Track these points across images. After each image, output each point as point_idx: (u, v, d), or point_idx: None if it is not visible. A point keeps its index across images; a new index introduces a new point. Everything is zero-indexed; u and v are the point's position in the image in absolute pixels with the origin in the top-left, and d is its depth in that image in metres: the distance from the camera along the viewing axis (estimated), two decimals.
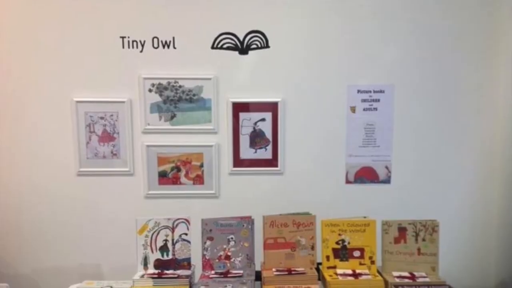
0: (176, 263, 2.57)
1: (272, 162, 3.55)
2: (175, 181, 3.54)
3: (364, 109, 3.53)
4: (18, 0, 3.38)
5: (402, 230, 2.62)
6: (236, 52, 3.46)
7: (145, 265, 2.57)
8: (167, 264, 2.57)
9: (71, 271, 3.54)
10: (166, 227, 2.58)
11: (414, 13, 3.44)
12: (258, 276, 2.58)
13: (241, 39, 3.44)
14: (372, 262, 2.59)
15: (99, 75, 3.46)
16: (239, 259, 2.63)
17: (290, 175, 3.57)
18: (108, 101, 3.48)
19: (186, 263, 2.58)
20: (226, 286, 2.40)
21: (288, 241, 2.64)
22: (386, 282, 2.47)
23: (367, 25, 3.45)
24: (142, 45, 3.44)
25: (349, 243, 2.62)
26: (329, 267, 2.60)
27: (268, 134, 3.52)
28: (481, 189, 3.59)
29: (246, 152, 3.54)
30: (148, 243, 2.57)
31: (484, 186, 3.59)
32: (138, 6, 3.41)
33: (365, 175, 3.56)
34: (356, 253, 2.61)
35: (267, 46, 3.46)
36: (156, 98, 3.48)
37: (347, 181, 3.58)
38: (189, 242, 2.59)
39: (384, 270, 2.60)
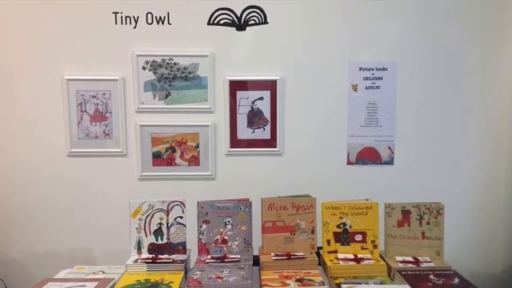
0: (171, 248, 2.54)
1: (271, 142, 3.53)
2: (170, 162, 3.53)
3: (366, 88, 3.51)
4: None
5: (405, 213, 2.58)
6: (233, 28, 3.44)
7: (139, 249, 2.53)
8: (162, 249, 2.53)
9: (61, 255, 3.53)
10: (161, 210, 2.55)
11: None
12: (256, 261, 2.54)
13: (239, 14, 3.41)
14: (375, 247, 2.56)
15: (91, 52, 3.44)
16: (236, 243, 2.60)
17: (289, 156, 3.56)
18: (100, 79, 3.46)
19: (181, 248, 2.54)
20: (222, 271, 2.37)
21: (287, 224, 2.61)
22: (389, 267, 2.43)
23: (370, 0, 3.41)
24: (136, 21, 3.41)
25: (350, 226, 2.58)
26: (329, 252, 2.56)
27: (267, 114, 3.51)
28: (487, 170, 3.58)
29: (244, 132, 3.52)
30: (142, 227, 2.53)
31: (491, 167, 3.58)
32: None
33: (367, 156, 3.54)
34: (358, 237, 2.57)
35: (266, 22, 3.43)
36: (150, 76, 3.46)
37: (349, 162, 3.57)
38: (184, 225, 2.55)
39: (387, 254, 2.56)
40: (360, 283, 2.22)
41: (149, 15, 3.40)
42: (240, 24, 3.43)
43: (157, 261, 2.45)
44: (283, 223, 2.60)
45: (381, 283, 2.28)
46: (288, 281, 2.27)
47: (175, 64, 3.45)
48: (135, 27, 3.41)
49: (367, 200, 2.66)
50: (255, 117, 3.51)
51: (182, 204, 2.55)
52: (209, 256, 2.55)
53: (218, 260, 2.51)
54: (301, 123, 3.53)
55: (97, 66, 3.45)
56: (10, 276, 3.56)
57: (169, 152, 3.52)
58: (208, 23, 3.41)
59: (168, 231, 2.54)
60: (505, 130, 3.52)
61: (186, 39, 3.43)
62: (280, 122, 3.51)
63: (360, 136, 3.53)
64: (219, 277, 2.28)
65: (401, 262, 2.47)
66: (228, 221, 2.60)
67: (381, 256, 2.54)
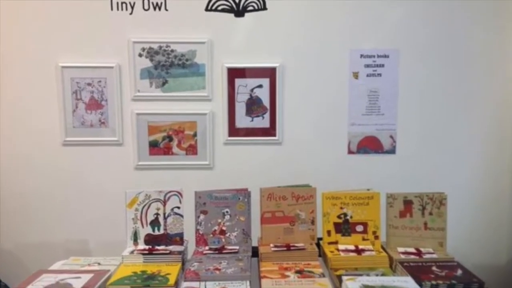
0: (168, 238, 2.53)
1: (270, 131, 3.51)
2: (167, 151, 3.51)
3: (367, 75, 3.49)
4: None
5: (407, 203, 2.57)
6: (232, 14, 3.41)
7: (135, 240, 2.52)
8: (158, 240, 2.52)
9: (56, 247, 3.53)
10: (157, 200, 2.53)
11: None
12: (255, 252, 2.54)
13: (237, 0, 3.37)
14: (376, 237, 2.55)
15: (86, 39, 3.41)
16: (234, 234, 2.59)
17: (289, 144, 3.54)
18: (95, 66, 3.44)
19: (178, 238, 2.53)
20: (221, 262, 2.36)
21: (287, 215, 2.60)
22: (390, 258, 2.43)
23: None
24: (132, 7, 3.38)
25: (351, 217, 2.57)
26: (330, 243, 2.55)
27: (266, 102, 3.49)
28: (492, 159, 3.57)
29: (242, 121, 3.51)
30: (138, 217, 2.52)
31: (495, 155, 3.57)
32: None
33: (369, 145, 3.53)
34: (359, 228, 2.56)
35: (265, 8, 3.41)
36: (146, 63, 3.44)
37: (350, 151, 3.55)
38: (181, 216, 2.54)
39: (388, 245, 2.56)
40: (361, 275, 2.20)
41: (146, 1, 3.37)
42: (239, 10, 3.40)
43: (154, 252, 2.44)
44: (283, 213, 2.59)
45: (382, 274, 2.26)
46: (287, 273, 2.27)
47: (172, 51, 3.43)
48: (131, 13, 3.38)
49: (368, 190, 2.64)
50: (254, 105, 3.49)
51: (179, 194, 2.54)
52: (207, 247, 2.55)
53: (216, 251, 2.50)
54: (301, 112, 3.51)
55: (93, 53, 3.42)
56: (4, 268, 3.55)
57: (166, 141, 3.51)
58: (206, 9, 3.39)
59: (165, 222, 2.53)
60: (510, 118, 3.51)
61: (184, 25, 3.41)
62: (280, 111, 3.49)
63: (361, 124, 3.52)
64: (217, 269, 2.27)
65: (403, 253, 2.46)
66: (226, 212, 2.59)
67: (382, 247, 2.53)
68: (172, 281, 2.15)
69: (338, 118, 3.52)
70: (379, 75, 3.49)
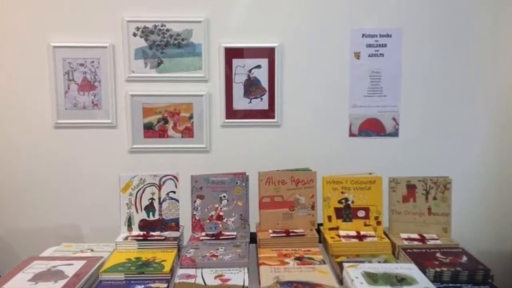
0: (163, 224, 2.51)
1: (269, 113, 3.51)
2: (162, 134, 3.51)
3: (369, 55, 3.49)
4: None
5: (411, 187, 2.56)
6: None
7: (129, 226, 2.51)
8: (153, 225, 2.51)
9: (48, 232, 3.53)
10: (152, 184, 2.52)
11: None
12: (253, 238, 2.53)
13: None
14: (378, 223, 2.54)
15: (79, 18, 3.40)
16: (232, 219, 2.58)
17: (288, 127, 3.54)
18: (88, 46, 3.43)
19: (174, 224, 2.52)
20: (218, 249, 2.35)
21: (286, 199, 2.58)
22: (393, 244, 2.41)
23: None
24: None
25: (353, 202, 2.56)
26: (331, 229, 2.54)
27: (264, 83, 3.48)
28: (497, 142, 3.57)
29: (240, 102, 3.50)
30: (133, 202, 2.51)
31: (501, 139, 3.57)
32: None
33: (371, 128, 3.53)
34: (361, 213, 2.55)
35: None
36: (141, 43, 3.43)
37: (351, 134, 3.55)
38: (177, 201, 2.52)
39: (391, 231, 2.55)
40: (362, 262, 2.19)
41: None
42: None
43: (149, 238, 2.43)
44: (282, 198, 2.58)
45: (385, 261, 2.25)
46: (287, 260, 2.25)
47: (167, 30, 3.41)
48: None
49: (370, 174, 2.63)
50: (252, 87, 3.48)
51: (175, 178, 2.52)
52: (203, 233, 2.54)
53: (213, 237, 2.49)
54: (300, 93, 3.50)
55: (85, 33, 3.41)
56: None
57: (161, 123, 3.50)
58: None
59: (160, 207, 2.52)
60: None
61: (179, 3, 3.39)
62: (279, 92, 3.48)
63: (363, 106, 3.51)
64: (214, 255, 2.26)
65: (406, 239, 2.45)
66: (224, 196, 2.58)
67: (385, 233, 2.52)
68: (167, 268, 2.14)
69: (339, 100, 3.51)
70: (382, 55, 3.48)
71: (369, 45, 3.47)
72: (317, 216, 2.59)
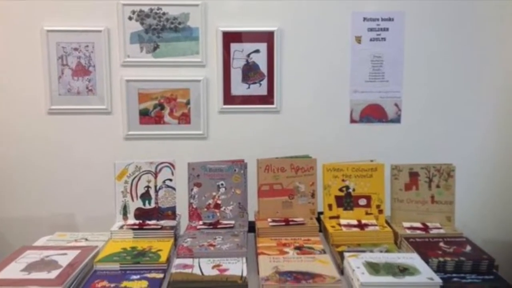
0: (159, 213, 2.51)
1: (268, 99, 3.50)
2: (158, 120, 3.51)
3: (371, 39, 3.48)
4: None
5: (413, 175, 2.56)
6: None
7: (125, 214, 2.51)
8: (149, 214, 2.51)
9: (41, 221, 3.52)
10: (148, 172, 2.52)
11: None
12: (252, 227, 2.52)
13: None
14: (380, 212, 2.54)
15: (73, 1, 3.39)
16: (230, 208, 2.58)
17: (288, 113, 3.54)
18: (82, 30, 3.42)
19: (170, 213, 2.52)
20: (215, 238, 2.34)
21: (286, 187, 2.58)
22: (395, 233, 2.41)
23: None
24: None
25: (354, 190, 2.56)
26: (331, 217, 2.54)
27: (263, 68, 3.47)
28: (502, 128, 3.56)
29: (238, 88, 3.50)
30: (128, 190, 2.51)
31: (506, 125, 3.56)
32: None
33: (372, 114, 3.52)
34: (362, 201, 2.55)
35: None
36: (137, 26, 3.42)
37: (352, 120, 3.55)
38: (173, 189, 2.52)
39: (393, 220, 2.55)
40: (364, 251, 2.19)
41: None
42: None
43: (145, 227, 2.43)
44: (281, 186, 2.57)
45: (387, 251, 2.25)
46: (286, 249, 2.25)
47: (164, 14, 3.40)
48: None
49: (371, 161, 2.63)
50: (250, 72, 3.47)
51: (171, 165, 2.52)
52: (200, 222, 2.53)
53: (211, 226, 2.48)
54: (300, 78, 3.50)
55: (80, 16, 3.39)
56: None
57: (158, 109, 3.49)
58: None
59: (156, 195, 2.52)
60: None
61: None
62: (278, 77, 3.47)
63: (364, 92, 3.51)
64: (211, 245, 2.25)
65: (408, 228, 2.45)
66: (221, 184, 2.57)
67: (387, 222, 2.52)
68: (164, 258, 2.13)
69: (340, 85, 3.50)
70: (383, 39, 3.47)
71: (371, 29, 3.46)
72: (317, 205, 2.59)
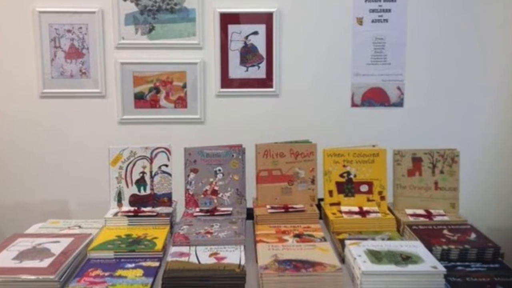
0: (154, 199, 2.51)
1: (266, 82, 3.50)
2: (154, 104, 3.50)
3: (372, 21, 3.48)
4: None
5: (416, 160, 2.55)
6: None
7: (119, 201, 2.50)
8: (145, 200, 2.50)
9: (33, 208, 3.52)
10: (143, 157, 2.51)
11: None
12: (250, 214, 2.52)
13: None
14: (382, 198, 2.53)
15: None
16: (227, 194, 2.57)
17: (287, 97, 3.53)
18: (76, 11, 3.41)
19: (166, 199, 2.51)
20: (212, 225, 2.33)
21: (285, 173, 2.57)
22: (398, 221, 2.41)
23: None
24: None
25: (355, 176, 2.55)
26: (332, 204, 2.53)
27: (262, 50, 3.47)
28: (507, 112, 3.56)
29: (236, 71, 3.49)
30: (123, 176, 2.50)
31: (511, 109, 3.53)
32: None
33: (374, 97, 3.52)
34: (364, 188, 2.54)
35: None
36: (131, 7, 3.41)
37: (353, 104, 3.55)
38: (169, 174, 2.52)
39: (396, 207, 2.54)
40: (365, 239, 2.18)
41: None
42: None
43: (140, 214, 2.42)
44: (280, 172, 2.57)
45: (389, 239, 2.24)
46: (285, 237, 2.24)
47: None
48: None
49: (373, 146, 2.62)
50: (248, 54, 3.47)
51: (167, 150, 2.51)
52: (197, 209, 2.52)
53: (208, 213, 2.47)
54: (300, 61, 3.49)
55: None
56: None
57: (153, 93, 3.49)
58: None
59: (152, 181, 2.51)
60: None
61: None
62: (277, 60, 3.47)
63: (366, 75, 3.50)
64: (208, 232, 2.24)
65: (411, 215, 2.44)
66: (219, 170, 2.56)
67: (389, 209, 2.52)
68: (159, 245, 2.13)
69: (341, 68, 3.50)
70: (386, 21, 3.46)
71: (373, 10, 3.45)
72: (317, 191, 2.58)
